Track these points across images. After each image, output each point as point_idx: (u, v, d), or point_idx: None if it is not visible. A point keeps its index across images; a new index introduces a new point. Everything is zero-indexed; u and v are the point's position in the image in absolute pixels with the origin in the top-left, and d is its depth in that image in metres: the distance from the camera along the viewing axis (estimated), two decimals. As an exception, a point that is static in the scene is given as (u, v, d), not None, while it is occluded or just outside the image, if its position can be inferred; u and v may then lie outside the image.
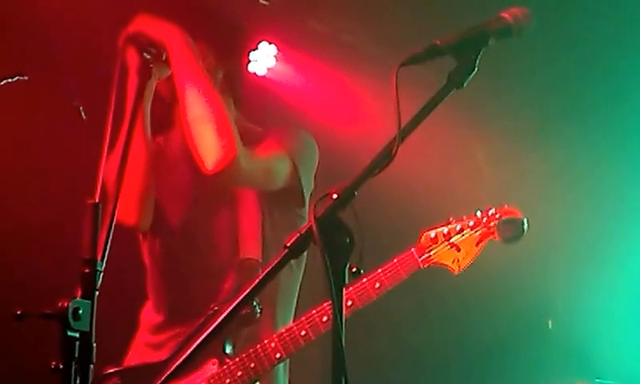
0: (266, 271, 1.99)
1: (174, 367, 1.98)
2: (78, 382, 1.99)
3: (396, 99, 1.96)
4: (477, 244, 3.17)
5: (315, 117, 5.46)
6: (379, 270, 3.11)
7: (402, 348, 6.03)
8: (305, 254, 3.18)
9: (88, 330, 2.01)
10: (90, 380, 2.01)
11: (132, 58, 2.98)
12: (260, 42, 5.36)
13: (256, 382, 3.14)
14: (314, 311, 3.10)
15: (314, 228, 1.92)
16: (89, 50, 4.42)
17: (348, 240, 1.95)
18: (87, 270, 2.07)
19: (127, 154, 2.40)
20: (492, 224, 3.17)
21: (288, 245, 1.99)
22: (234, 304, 1.99)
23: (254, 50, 5.30)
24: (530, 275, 5.64)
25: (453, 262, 3.17)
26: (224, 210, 3.32)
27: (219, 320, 1.99)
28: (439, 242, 3.16)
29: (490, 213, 3.19)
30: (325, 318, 3.07)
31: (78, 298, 2.02)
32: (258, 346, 3.11)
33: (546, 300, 5.87)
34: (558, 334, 5.84)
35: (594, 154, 5.69)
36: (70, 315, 1.98)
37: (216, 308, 3.14)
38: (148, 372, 3.04)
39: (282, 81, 5.59)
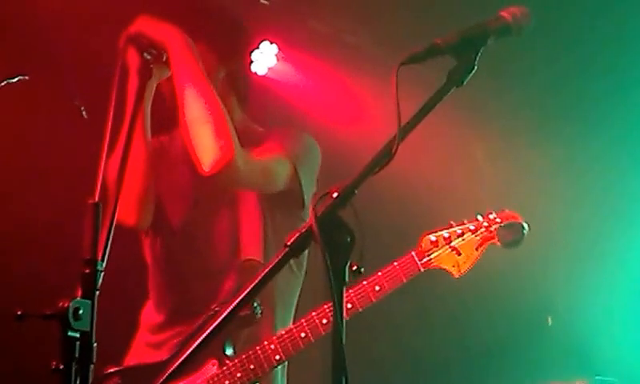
0: (265, 270, 1.99)
1: (173, 367, 1.98)
2: (78, 382, 1.99)
3: (396, 98, 1.97)
4: (477, 248, 3.17)
5: (316, 116, 5.47)
6: (379, 273, 3.11)
7: (402, 350, 6.02)
8: (305, 256, 3.23)
9: (88, 330, 2.01)
10: (90, 380, 2.01)
11: (132, 58, 2.99)
12: (261, 41, 5.36)
13: (255, 383, 3.14)
14: (314, 313, 3.10)
15: (315, 226, 1.92)
16: (89, 50, 4.42)
17: (348, 238, 1.95)
18: (87, 270, 2.07)
19: (127, 154, 2.40)
20: (493, 228, 3.18)
21: (288, 243, 1.98)
22: (234, 304, 1.99)
23: (255, 49, 5.30)
24: (530, 273, 5.63)
25: (453, 266, 3.16)
26: (224, 210, 3.31)
27: (219, 320, 1.99)
28: (440, 246, 3.16)
29: (490, 217, 3.20)
30: (324, 321, 3.07)
31: (78, 298, 2.02)
32: (258, 347, 3.11)
33: (546, 298, 5.87)
34: (558, 332, 5.83)
35: (593, 152, 5.69)
36: (70, 315, 1.98)
37: (216, 308, 3.14)
38: (148, 372, 3.04)
39: (283, 80, 5.59)
